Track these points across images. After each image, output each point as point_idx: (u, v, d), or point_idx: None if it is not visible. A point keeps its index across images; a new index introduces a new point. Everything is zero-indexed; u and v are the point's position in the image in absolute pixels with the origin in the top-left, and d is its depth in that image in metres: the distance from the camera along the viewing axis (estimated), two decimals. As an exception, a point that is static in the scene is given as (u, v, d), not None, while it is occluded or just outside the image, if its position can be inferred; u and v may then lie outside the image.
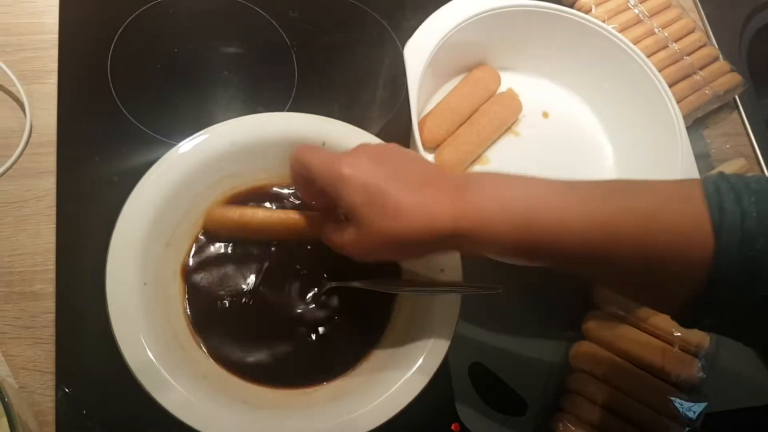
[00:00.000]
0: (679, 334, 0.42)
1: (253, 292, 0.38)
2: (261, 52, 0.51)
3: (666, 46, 0.54)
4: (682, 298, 0.26)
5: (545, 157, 0.49)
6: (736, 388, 0.43)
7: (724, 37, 0.58)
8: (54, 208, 0.41)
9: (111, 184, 0.43)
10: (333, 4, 0.54)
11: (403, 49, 0.44)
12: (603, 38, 0.48)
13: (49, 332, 0.38)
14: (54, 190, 0.42)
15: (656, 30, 0.54)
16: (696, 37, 0.55)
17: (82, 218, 0.41)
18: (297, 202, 0.41)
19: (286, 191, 0.41)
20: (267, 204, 0.41)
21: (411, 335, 0.37)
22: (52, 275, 0.40)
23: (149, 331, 0.34)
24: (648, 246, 0.26)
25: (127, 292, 0.34)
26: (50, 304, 0.39)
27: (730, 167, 0.51)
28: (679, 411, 0.39)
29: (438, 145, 0.47)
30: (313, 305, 0.38)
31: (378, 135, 0.41)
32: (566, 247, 0.27)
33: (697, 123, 0.54)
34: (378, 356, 0.37)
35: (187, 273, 0.38)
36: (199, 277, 0.38)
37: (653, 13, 0.56)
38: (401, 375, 0.35)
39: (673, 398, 0.40)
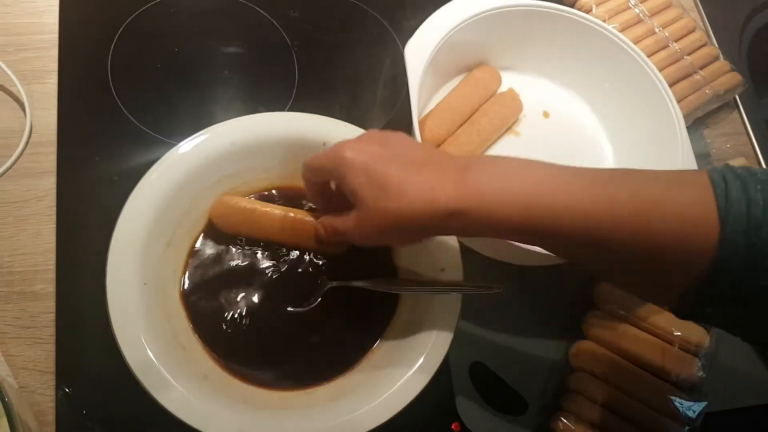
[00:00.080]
0: (679, 333, 0.42)
1: (253, 291, 0.38)
2: (261, 51, 0.51)
3: (666, 46, 0.54)
4: (683, 287, 0.26)
5: (545, 157, 0.48)
6: (735, 388, 0.43)
7: (724, 37, 0.58)
8: (54, 208, 0.41)
9: (111, 184, 0.43)
10: (334, 3, 0.54)
11: (403, 48, 0.43)
12: (603, 38, 0.48)
13: (50, 332, 0.38)
14: (54, 190, 0.42)
15: (657, 30, 0.54)
16: (696, 36, 0.55)
17: (82, 218, 0.41)
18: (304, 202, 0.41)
19: (287, 192, 0.41)
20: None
21: (411, 335, 0.37)
22: (52, 275, 0.40)
23: (149, 330, 0.34)
24: (651, 232, 0.25)
25: (127, 292, 0.34)
26: (50, 304, 0.39)
27: (730, 167, 0.51)
28: (678, 410, 0.39)
29: (439, 145, 0.47)
30: (314, 305, 0.38)
31: (378, 135, 0.41)
32: (568, 230, 0.27)
33: (697, 122, 0.54)
34: (378, 356, 0.37)
35: (187, 272, 0.38)
36: (199, 277, 0.38)
37: (654, 13, 0.56)
38: (402, 374, 0.35)
39: (673, 397, 0.40)
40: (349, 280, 0.38)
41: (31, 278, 0.39)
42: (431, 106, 0.49)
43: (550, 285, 0.44)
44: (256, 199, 0.41)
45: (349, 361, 0.37)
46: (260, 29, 0.51)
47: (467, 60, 0.50)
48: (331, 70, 0.51)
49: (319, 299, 0.38)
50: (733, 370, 0.44)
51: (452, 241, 0.38)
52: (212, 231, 0.39)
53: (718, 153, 0.53)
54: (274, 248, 0.39)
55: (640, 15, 0.55)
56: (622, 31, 0.52)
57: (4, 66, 0.44)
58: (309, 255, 0.39)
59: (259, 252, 0.39)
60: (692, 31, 0.55)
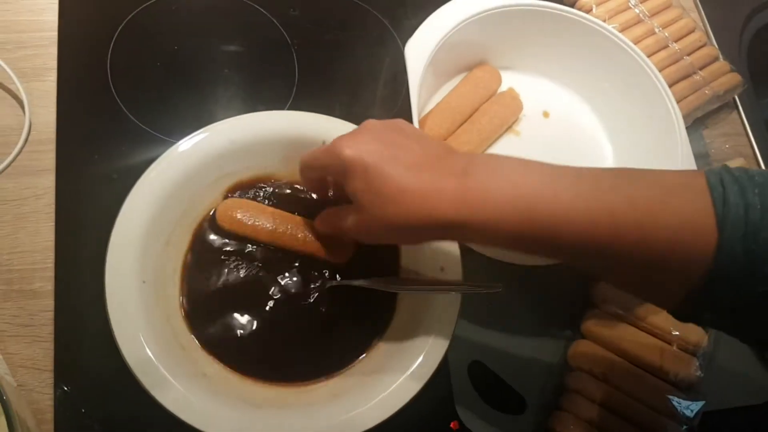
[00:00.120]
0: (677, 333, 0.42)
1: (253, 290, 0.38)
2: (261, 50, 0.51)
3: (666, 46, 0.54)
4: (682, 292, 0.26)
5: (545, 157, 0.48)
6: (733, 387, 0.43)
7: (724, 37, 0.58)
8: (53, 206, 0.41)
9: (110, 182, 0.42)
10: (334, 2, 0.54)
11: (404, 47, 0.43)
12: (603, 38, 0.48)
13: (48, 330, 0.38)
14: (53, 188, 0.42)
15: (656, 30, 0.54)
16: (696, 37, 0.55)
17: (81, 216, 0.41)
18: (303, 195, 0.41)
19: (287, 191, 0.41)
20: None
21: (411, 334, 0.37)
22: (51, 273, 0.39)
23: (148, 329, 0.34)
24: (650, 239, 0.25)
25: (126, 291, 0.34)
26: (49, 302, 0.39)
27: (729, 167, 0.51)
28: (677, 409, 0.39)
29: (438, 144, 0.47)
30: (314, 303, 0.38)
31: (378, 134, 0.40)
32: (568, 240, 0.27)
33: (696, 123, 0.54)
34: (378, 354, 0.37)
35: (186, 271, 0.38)
36: (199, 275, 0.38)
37: (654, 13, 0.56)
38: (401, 373, 0.35)
39: (671, 397, 0.40)
40: (349, 278, 0.38)
41: (30, 276, 0.39)
42: (431, 105, 0.49)
43: (550, 285, 0.44)
44: (256, 198, 0.41)
45: (349, 359, 0.37)
46: (260, 28, 0.51)
47: (467, 59, 0.50)
48: (331, 69, 0.51)
49: (319, 298, 0.38)
50: (731, 369, 0.44)
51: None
52: (212, 230, 0.39)
53: (718, 153, 0.54)
54: (273, 247, 0.39)
55: (640, 15, 0.55)
56: (622, 31, 0.52)
57: (3, 63, 0.44)
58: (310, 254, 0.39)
59: (259, 250, 0.39)
60: (692, 31, 0.55)
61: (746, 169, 0.26)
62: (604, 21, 0.52)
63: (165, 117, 0.46)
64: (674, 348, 0.41)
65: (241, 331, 0.37)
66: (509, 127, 0.50)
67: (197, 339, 0.36)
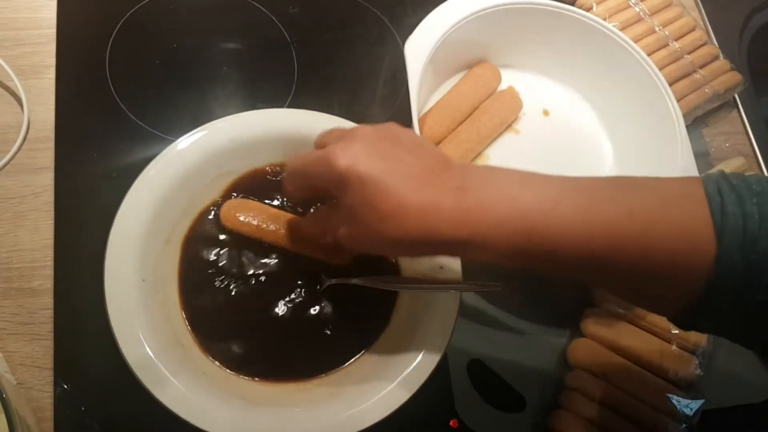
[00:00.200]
0: (677, 331, 0.42)
1: (252, 288, 0.38)
2: (261, 48, 0.51)
3: (666, 45, 0.54)
4: (681, 303, 0.26)
5: (545, 155, 0.49)
6: (733, 386, 0.44)
7: (724, 36, 0.58)
8: (52, 204, 0.41)
9: (109, 180, 0.42)
10: (333, 0, 0.54)
11: (403, 46, 0.43)
12: (604, 36, 0.48)
13: (48, 328, 0.38)
14: (52, 186, 0.42)
15: (657, 28, 0.54)
16: (696, 35, 0.55)
17: (80, 214, 0.41)
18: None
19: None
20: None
21: (410, 332, 0.37)
22: (51, 271, 0.39)
23: (148, 327, 0.34)
24: (650, 250, 0.25)
25: (125, 289, 0.34)
26: (48, 300, 0.39)
27: (729, 166, 0.51)
28: (676, 408, 0.39)
29: (438, 143, 0.47)
30: (313, 301, 0.38)
31: (378, 132, 0.40)
32: (566, 258, 0.27)
33: (696, 121, 0.54)
34: (378, 352, 0.38)
35: (185, 269, 0.38)
36: (198, 274, 0.38)
37: (654, 12, 0.55)
38: (400, 371, 0.35)
39: (670, 395, 0.40)
40: (348, 277, 0.38)
41: (29, 274, 0.39)
42: (431, 103, 0.49)
43: (549, 283, 0.44)
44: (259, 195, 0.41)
45: (348, 357, 0.37)
46: (259, 26, 0.51)
47: (467, 57, 0.50)
48: (330, 67, 0.51)
49: (318, 296, 0.38)
50: (730, 368, 0.44)
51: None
52: (212, 228, 0.39)
53: (717, 152, 0.54)
54: (275, 247, 0.39)
55: (641, 14, 0.55)
56: (622, 29, 0.52)
57: (1, 61, 0.44)
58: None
59: (260, 250, 0.39)
60: (692, 30, 0.55)
61: (744, 176, 0.26)
62: (605, 19, 0.52)
63: (164, 115, 0.46)
64: (674, 347, 0.42)
65: (241, 330, 0.37)
66: (509, 126, 0.50)
67: (197, 337, 0.36)
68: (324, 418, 0.34)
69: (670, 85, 0.48)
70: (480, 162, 0.48)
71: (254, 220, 0.38)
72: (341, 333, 0.38)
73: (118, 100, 0.46)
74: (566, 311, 0.44)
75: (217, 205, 0.40)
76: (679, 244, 0.25)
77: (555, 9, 0.48)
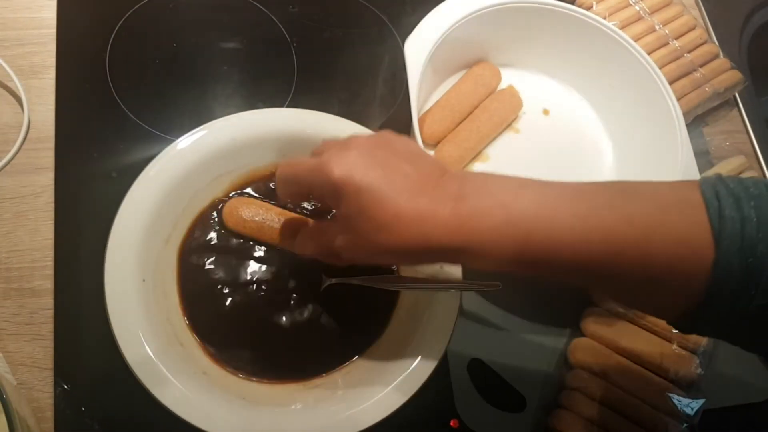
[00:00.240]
0: (677, 331, 0.42)
1: (252, 288, 0.38)
2: (260, 47, 0.51)
3: (667, 44, 0.54)
4: (681, 307, 0.26)
5: (545, 154, 0.49)
6: (734, 385, 0.43)
7: (724, 35, 0.58)
8: (52, 204, 0.41)
9: (109, 180, 0.42)
10: (333, 0, 0.54)
11: (403, 45, 0.43)
12: (604, 35, 0.48)
13: (48, 328, 0.38)
14: (52, 186, 0.42)
15: (657, 27, 0.54)
16: (697, 34, 0.55)
17: (80, 214, 0.41)
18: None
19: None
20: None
21: (410, 332, 0.37)
22: (51, 271, 0.39)
23: (148, 327, 0.34)
24: (649, 256, 0.25)
25: (126, 289, 0.34)
26: (49, 301, 0.39)
27: (729, 165, 0.51)
28: (677, 407, 0.39)
29: (438, 142, 0.47)
30: (314, 301, 0.38)
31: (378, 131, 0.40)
32: (564, 265, 0.27)
33: (697, 120, 0.54)
34: (377, 352, 0.38)
35: (185, 269, 0.38)
36: (199, 273, 0.38)
37: (654, 10, 0.55)
38: (400, 371, 0.35)
39: (671, 395, 0.40)
40: (348, 276, 0.38)
41: (29, 274, 0.39)
42: (431, 102, 0.49)
43: (549, 282, 0.44)
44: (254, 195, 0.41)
45: (348, 356, 0.37)
46: (259, 25, 0.51)
47: (467, 56, 0.50)
48: (330, 67, 0.51)
49: (319, 296, 0.38)
50: (731, 368, 0.44)
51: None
52: (212, 228, 0.39)
53: (718, 151, 0.53)
54: (275, 246, 0.39)
55: (641, 12, 0.55)
56: (622, 28, 0.52)
57: (1, 61, 0.44)
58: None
59: (259, 249, 0.39)
60: (692, 28, 0.55)
61: (741, 179, 0.26)
62: (605, 18, 0.52)
63: (164, 114, 0.46)
64: (674, 346, 0.41)
65: (242, 330, 0.37)
66: (509, 125, 0.49)
67: (197, 337, 0.36)
68: (324, 418, 0.34)
69: (670, 83, 0.48)
70: (480, 161, 0.48)
71: (256, 217, 0.38)
72: (341, 333, 0.38)
73: (118, 100, 0.46)
74: (566, 311, 0.44)
75: (218, 204, 0.40)
76: (678, 249, 0.25)
77: (555, 8, 0.48)
